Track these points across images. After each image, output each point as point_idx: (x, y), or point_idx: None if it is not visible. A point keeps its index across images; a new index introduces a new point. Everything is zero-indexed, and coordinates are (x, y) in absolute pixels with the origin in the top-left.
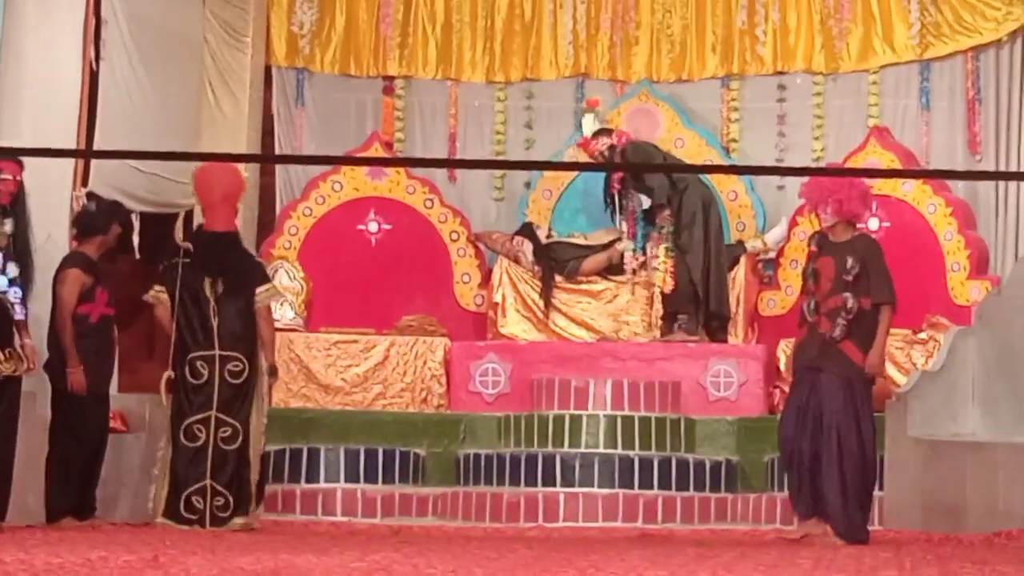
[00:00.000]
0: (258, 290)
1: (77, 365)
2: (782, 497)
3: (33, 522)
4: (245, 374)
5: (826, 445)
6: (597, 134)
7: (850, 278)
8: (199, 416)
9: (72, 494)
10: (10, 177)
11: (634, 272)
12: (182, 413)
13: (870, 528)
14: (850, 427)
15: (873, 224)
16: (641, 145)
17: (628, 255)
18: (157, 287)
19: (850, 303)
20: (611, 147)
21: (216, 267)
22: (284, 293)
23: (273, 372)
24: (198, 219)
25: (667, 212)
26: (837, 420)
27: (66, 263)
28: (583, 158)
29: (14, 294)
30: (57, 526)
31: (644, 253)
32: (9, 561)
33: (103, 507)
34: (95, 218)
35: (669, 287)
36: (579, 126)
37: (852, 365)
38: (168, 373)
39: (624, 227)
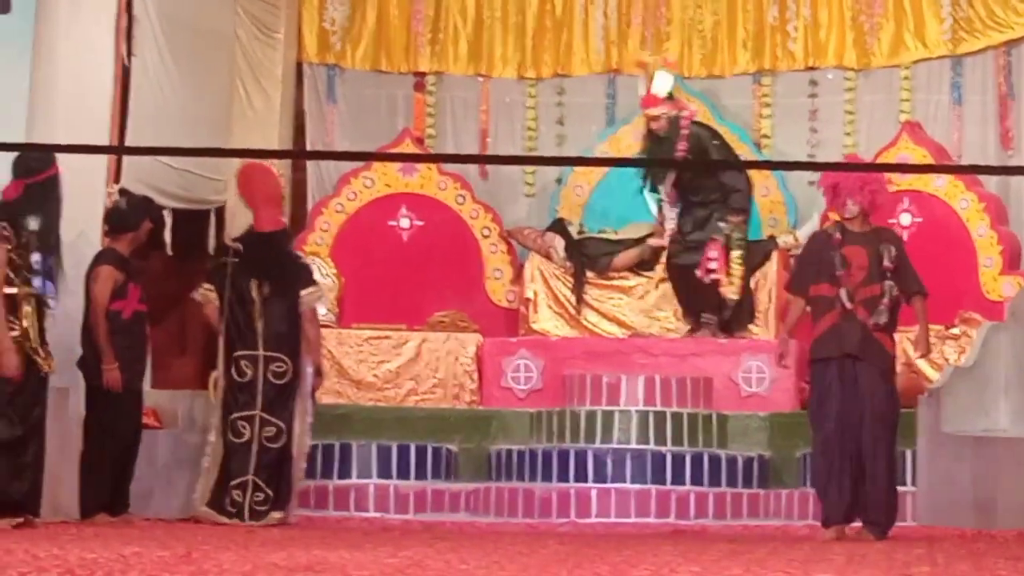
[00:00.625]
0: (303, 292)
1: (113, 362)
2: (815, 493)
3: (67, 518)
4: (289, 375)
5: (871, 435)
6: (667, 97)
7: (892, 267)
8: (244, 413)
9: (106, 490)
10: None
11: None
12: (228, 408)
13: (902, 524)
14: (893, 417)
15: (905, 219)
16: (706, 134)
17: (669, 224)
18: (206, 285)
19: (894, 291)
20: (674, 118)
21: (262, 269)
22: (328, 294)
23: (319, 373)
24: (230, 216)
25: (741, 218)
26: (882, 409)
27: (98, 260)
28: (618, 152)
29: (45, 288)
30: (91, 522)
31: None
32: (43, 556)
33: (136, 503)
34: (126, 215)
35: (736, 296)
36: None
37: (888, 355)
38: (215, 373)
39: (664, 203)
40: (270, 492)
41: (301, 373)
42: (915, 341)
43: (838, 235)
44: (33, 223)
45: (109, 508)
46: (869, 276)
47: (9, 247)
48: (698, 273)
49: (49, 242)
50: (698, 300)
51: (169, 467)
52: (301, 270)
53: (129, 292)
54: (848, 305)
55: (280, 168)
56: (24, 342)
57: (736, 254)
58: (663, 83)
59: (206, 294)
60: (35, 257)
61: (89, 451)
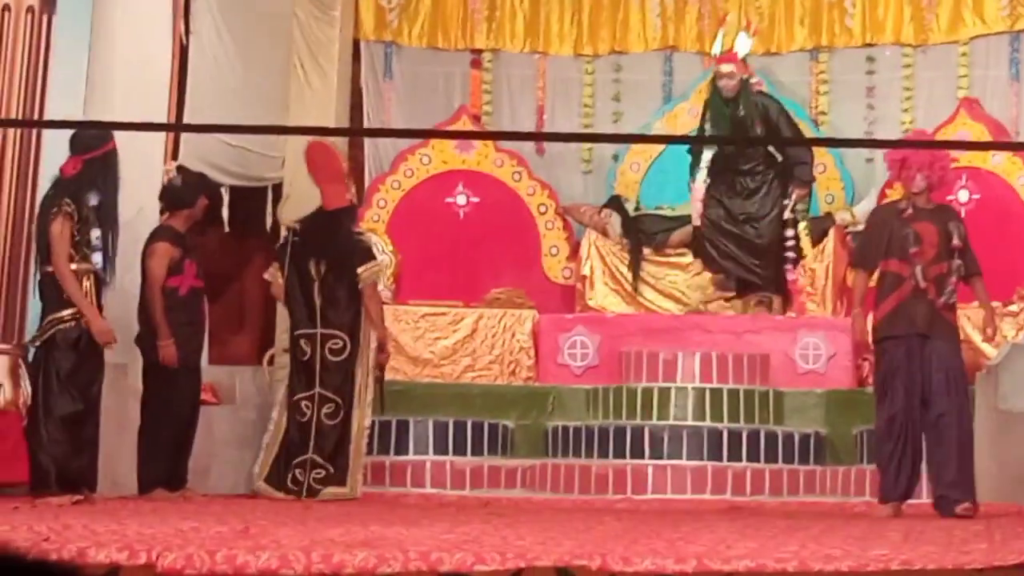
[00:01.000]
0: (360, 269)
1: (168, 338)
2: (871, 469)
3: (125, 493)
4: (347, 351)
5: (944, 410)
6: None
7: (960, 245)
8: (306, 393)
9: (164, 466)
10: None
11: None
12: (292, 389)
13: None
14: (967, 390)
15: (963, 196)
16: (775, 105)
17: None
18: (274, 264)
19: (961, 271)
20: (745, 80)
21: (321, 247)
22: (385, 271)
23: (382, 348)
24: (287, 193)
25: (806, 190)
26: (957, 384)
27: (154, 237)
28: (674, 129)
29: (99, 262)
30: (149, 497)
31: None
32: (102, 532)
33: (194, 478)
34: (182, 191)
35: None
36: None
37: (957, 333)
38: (271, 350)
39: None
40: (330, 468)
41: (360, 349)
42: (983, 324)
43: (910, 210)
44: (93, 199)
45: (167, 483)
46: (939, 254)
47: (72, 223)
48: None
49: (108, 218)
50: (742, 268)
51: (227, 443)
52: (358, 247)
53: (185, 268)
54: (923, 284)
55: (338, 145)
56: (82, 318)
57: (803, 226)
58: (744, 44)
59: (274, 274)
60: (95, 233)
61: (147, 427)
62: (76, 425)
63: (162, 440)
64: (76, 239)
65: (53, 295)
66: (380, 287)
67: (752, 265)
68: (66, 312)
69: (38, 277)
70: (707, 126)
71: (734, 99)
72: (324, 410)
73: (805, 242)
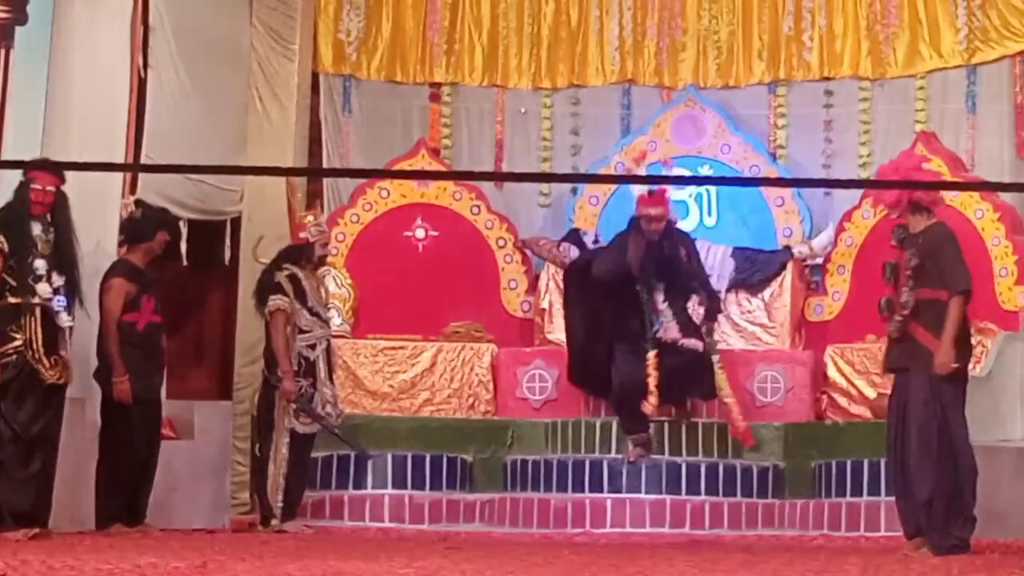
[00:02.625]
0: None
1: (123, 374)
2: (829, 503)
3: (83, 528)
4: (260, 388)
5: (912, 446)
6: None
7: (908, 272)
8: None
9: (122, 501)
10: (40, 187)
11: None
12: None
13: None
14: (931, 425)
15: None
16: (688, 238)
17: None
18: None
19: (904, 297)
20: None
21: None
22: (344, 305)
23: (280, 380)
24: (245, 227)
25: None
26: (919, 419)
27: (110, 272)
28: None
29: (58, 302)
30: (106, 532)
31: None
32: (59, 567)
33: (153, 513)
34: (140, 225)
35: (729, 397)
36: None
37: (928, 358)
38: None
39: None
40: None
41: (269, 386)
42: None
43: (895, 242)
44: (35, 228)
45: (125, 518)
46: (906, 282)
47: (2, 257)
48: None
49: (61, 251)
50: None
51: (185, 477)
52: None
53: (142, 304)
54: (888, 314)
55: (296, 179)
56: (25, 351)
57: (717, 359)
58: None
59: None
60: (38, 263)
61: (105, 462)
62: (20, 461)
63: (120, 475)
64: (16, 271)
65: None
66: (338, 321)
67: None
68: (9, 346)
69: None
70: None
71: (659, 240)
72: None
73: (720, 377)
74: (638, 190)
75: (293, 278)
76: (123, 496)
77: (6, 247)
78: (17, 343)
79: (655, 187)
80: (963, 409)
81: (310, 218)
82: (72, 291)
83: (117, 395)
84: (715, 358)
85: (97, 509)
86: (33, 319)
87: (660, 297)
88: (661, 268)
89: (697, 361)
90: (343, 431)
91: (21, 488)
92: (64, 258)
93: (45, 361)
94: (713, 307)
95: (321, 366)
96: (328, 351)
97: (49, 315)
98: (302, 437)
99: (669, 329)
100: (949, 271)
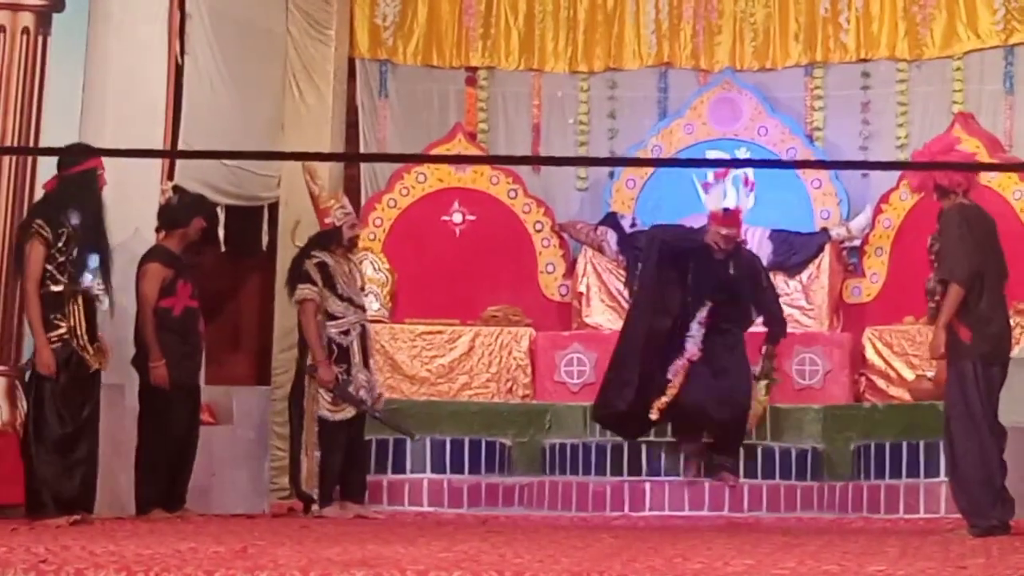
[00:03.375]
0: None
1: (159, 359)
2: (868, 485)
3: (123, 514)
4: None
5: (945, 429)
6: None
7: (932, 257)
8: None
9: (161, 486)
10: (103, 172)
11: None
12: None
13: (955, 515)
14: (959, 410)
15: None
16: (757, 258)
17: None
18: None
19: (929, 284)
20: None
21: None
22: (382, 289)
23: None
24: (282, 212)
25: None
26: (947, 403)
27: (146, 258)
28: (670, 145)
29: (98, 287)
30: (146, 518)
31: None
32: (100, 553)
33: (192, 498)
34: (177, 211)
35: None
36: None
37: (960, 345)
38: None
39: None
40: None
41: (300, 374)
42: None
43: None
44: (74, 217)
45: (165, 504)
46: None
47: (46, 245)
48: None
49: (93, 238)
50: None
51: (225, 463)
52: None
53: (179, 289)
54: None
55: (333, 165)
56: (71, 339)
57: (763, 385)
58: (745, 198)
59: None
60: (80, 252)
61: (144, 448)
62: (68, 446)
63: (159, 461)
64: (60, 260)
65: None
66: (376, 306)
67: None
68: (53, 333)
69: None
70: (689, 277)
71: (725, 259)
72: None
73: (763, 400)
74: (713, 206)
75: (321, 265)
76: (162, 482)
77: (49, 235)
78: (62, 330)
79: (731, 206)
80: (991, 393)
81: (333, 202)
82: (106, 276)
83: (154, 380)
84: (763, 384)
85: (137, 495)
86: (76, 306)
87: (702, 314)
88: (717, 286)
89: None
90: (384, 414)
91: (67, 475)
92: (101, 242)
93: (89, 348)
94: (777, 332)
95: (355, 351)
96: (363, 336)
97: (90, 301)
98: (333, 424)
99: (690, 348)
100: (946, 258)
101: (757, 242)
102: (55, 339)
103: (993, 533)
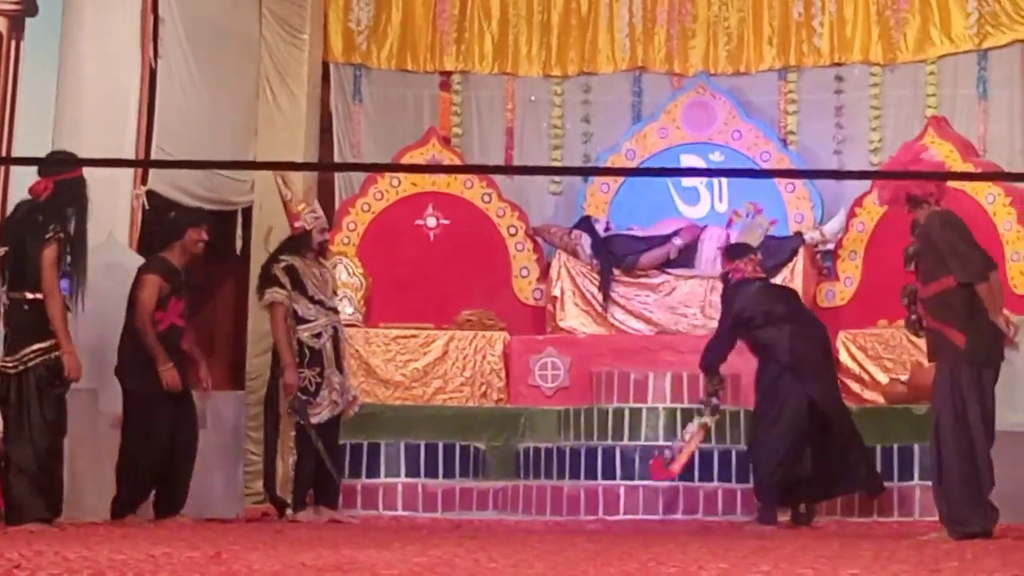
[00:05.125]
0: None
1: (167, 362)
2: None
3: (94, 518)
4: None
5: (931, 434)
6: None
7: (911, 267)
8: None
9: (141, 494)
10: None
11: None
12: None
13: (930, 519)
14: (949, 414)
15: None
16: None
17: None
18: None
19: (907, 290)
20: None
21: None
22: (356, 294)
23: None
24: (256, 216)
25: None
26: (936, 407)
27: (146, 268)
28: (644, 148)
29: (67, 291)
30: (121, 522)
31: None
32: (73, 558)
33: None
34: (171, 223)
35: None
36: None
37: (953, 349)
38: None
39: None
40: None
41: (275, 378)
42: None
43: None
44: (71, 223)
45: (158, 509)
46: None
47: (62, 251)
48: None
49: (79, 244)
50: None
51: (198, 467)
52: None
53: (170, 305)
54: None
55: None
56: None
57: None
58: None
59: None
60: (67, 259)
61: (123, 454)
62: (55, 453)
63: (139, 468)
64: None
65: (36, 322)
66: (349, 310)
67: None
68: (48, 342)
69: (5, 302)
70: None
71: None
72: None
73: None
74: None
75: (290, 269)
76: (144, 489)
77: (64, 240)
78: (56, 339)
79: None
80: (983, 397)
81: (303, 206)
82: (77, 280)
83: (166, 383)
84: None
85: (114, 501)
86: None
87: None
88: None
89: None
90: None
91: (51, 481)
92: (85, 249)
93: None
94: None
95: (328, 355)
96: (336, 339)
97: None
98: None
99: None
100: (956, 258)
101: None
102: (51, 347)
103: (973, 539)
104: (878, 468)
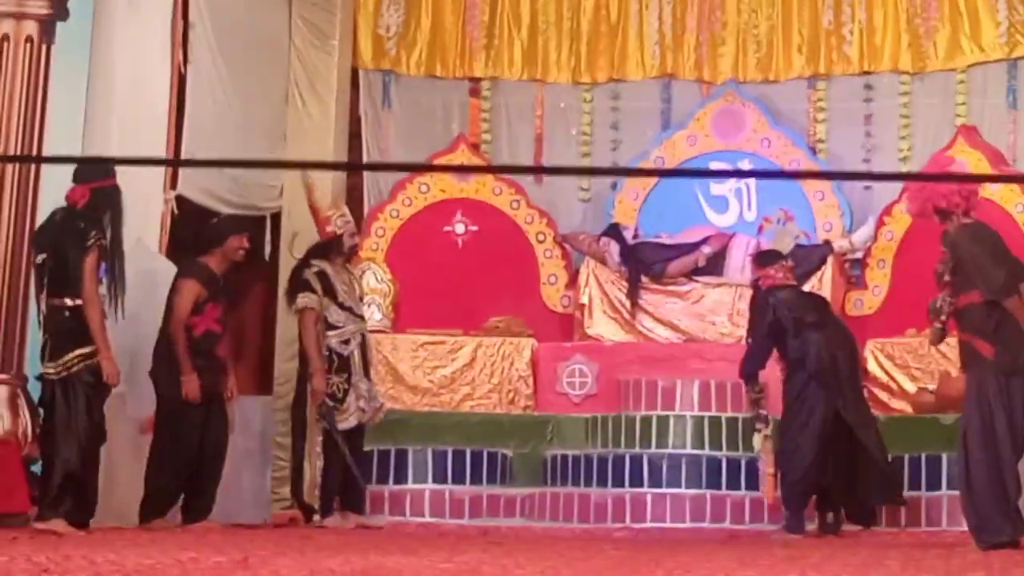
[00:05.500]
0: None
1: (191, 373)
2: None
3: (122, 523)
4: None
5: (960, 443)
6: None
7: (946, 278)
8: None
9: (169, 499)
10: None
11: None
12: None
13: (957, 528)
14: (976, 424)
15: None
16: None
17: None
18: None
19: (937, 303)
20: (752, 280)
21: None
22: (384, 299)
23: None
24: (284, 222)
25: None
26: (965, 417)
27: (184, 272)
28: (672, 156)
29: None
30: (148, 527)
31: None
32: (100, 562)
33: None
34: (213, 230)
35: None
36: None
37: (981, 360)
38: None
39: None
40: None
41: (302, 383)
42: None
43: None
44: (108, 230)
45: (186, 513)
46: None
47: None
48: None
49: (116, 250)
50: None
51: (226, 472)
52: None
53: (207, 310)
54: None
55: (336, 175)
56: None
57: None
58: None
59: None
60: (104, 265)
61: (154, 459)
62: (94, 458)
63: (169, 472)
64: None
65: (77, 328)
66: (378, 316)
67: None
68: (89, 348)
69: (43, 309)
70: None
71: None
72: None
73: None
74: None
75: (321, 274)
76: (172, 494)
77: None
78: (94, 345)
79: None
80: (1011, 407)
81: (333, 211)
82: (119, 286)
83: (186, 394)
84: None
85: (142, 504)
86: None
87: None
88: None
89: None
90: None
91: (89, 484)
92: (116, 250)
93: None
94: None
95: (356, 361)
96: (363, 346)
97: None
98: (339, 433)
99: None
100: (979, 272)
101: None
102: (92, 353)
103: (1000, 548)
104: (905, 477)
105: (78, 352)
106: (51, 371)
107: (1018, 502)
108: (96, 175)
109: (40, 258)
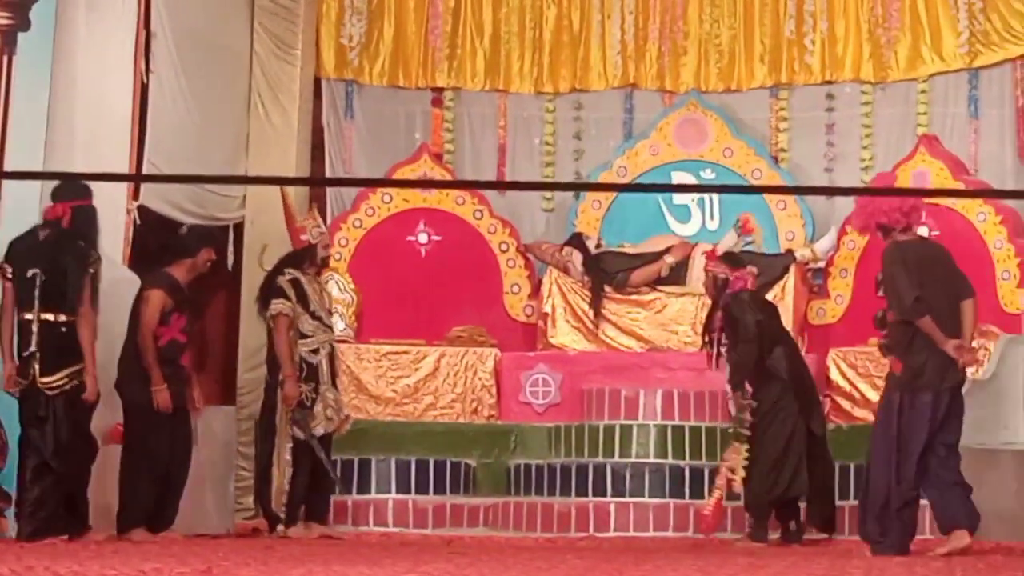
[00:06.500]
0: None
1: (161, 383)
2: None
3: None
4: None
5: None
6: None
7: (879, 294)
8: None
9: (142, 508)
10: None
11: None
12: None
13: (921, 536)
14: (879, 436)
15: (923, 232)
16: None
17: None
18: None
19: (881, 316)
20: (720, 280)
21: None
22: (347, 310)
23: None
24: (247, 232)
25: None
26: (873, 431)
27: (150, 283)
28: (635, 166)
29: None
30: (127, 538)
31: None
32: (64, 573)
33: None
34: (185, 241)
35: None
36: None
37: (892, 376)
38: None
39: None
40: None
41: (270, 392)
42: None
43: None
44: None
45: (151, 524)
46: None
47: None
48: None
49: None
50: None
51: (189, 483)
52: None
53: (172, 321)
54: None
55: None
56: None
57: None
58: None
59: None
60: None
61: (125, 470)
62: (83, 470)
63: (141, 483)
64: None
65: (69, 345)
66: (341, 326)
67: None
68: (79, 365)
69: (33, 323)
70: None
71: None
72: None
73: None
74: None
75: (295, 282)
76: (144, 503)
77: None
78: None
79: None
80: (919, 420)
81: (309, 221)
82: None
83: (158, 404)
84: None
85: (118, 514)
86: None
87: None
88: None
89: None
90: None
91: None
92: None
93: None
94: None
95: (324, 371)
96: (331, 356)
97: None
98: (305, 443)
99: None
100: (892, 294)
101: None
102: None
103: (885, 553)
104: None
105: (76, 367)
106: (48, 385)
107: (905, 513)
108: (76, 194)
109: (31, 273)
